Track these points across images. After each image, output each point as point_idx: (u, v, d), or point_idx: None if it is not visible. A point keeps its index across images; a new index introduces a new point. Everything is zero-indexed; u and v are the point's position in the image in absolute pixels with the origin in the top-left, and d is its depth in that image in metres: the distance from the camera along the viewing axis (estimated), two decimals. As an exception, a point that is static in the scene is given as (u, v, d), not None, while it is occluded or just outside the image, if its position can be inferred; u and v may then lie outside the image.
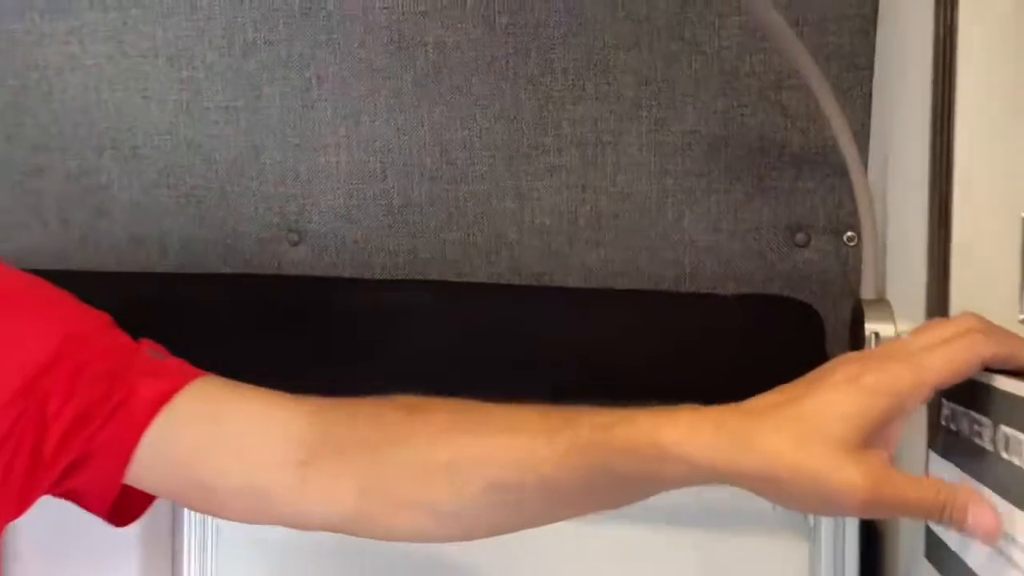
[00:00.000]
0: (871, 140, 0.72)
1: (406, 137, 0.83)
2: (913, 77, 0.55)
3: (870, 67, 0.71)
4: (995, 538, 0.36)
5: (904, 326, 0.61)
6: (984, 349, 0.38)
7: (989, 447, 0.37)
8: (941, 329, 0.40)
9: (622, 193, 0.78)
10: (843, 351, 0.56)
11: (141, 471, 0.51)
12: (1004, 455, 0.36)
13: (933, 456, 0.46)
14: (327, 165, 0.85)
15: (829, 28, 0.71)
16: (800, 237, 0.76)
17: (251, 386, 0.52)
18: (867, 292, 0.67)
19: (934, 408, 0.47)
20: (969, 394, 0.40)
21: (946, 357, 0.38)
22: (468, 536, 0.50)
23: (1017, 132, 0.45)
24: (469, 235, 0.82)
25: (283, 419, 0.51)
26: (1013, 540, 0.35)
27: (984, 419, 0.39)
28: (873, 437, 0.38)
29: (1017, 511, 0.34)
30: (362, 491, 0.48)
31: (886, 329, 0.63)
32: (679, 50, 0.75)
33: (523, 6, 0.78)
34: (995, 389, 0.38)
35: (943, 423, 0.46)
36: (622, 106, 0.78)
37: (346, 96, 0.83)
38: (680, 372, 0.72)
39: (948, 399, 0.44)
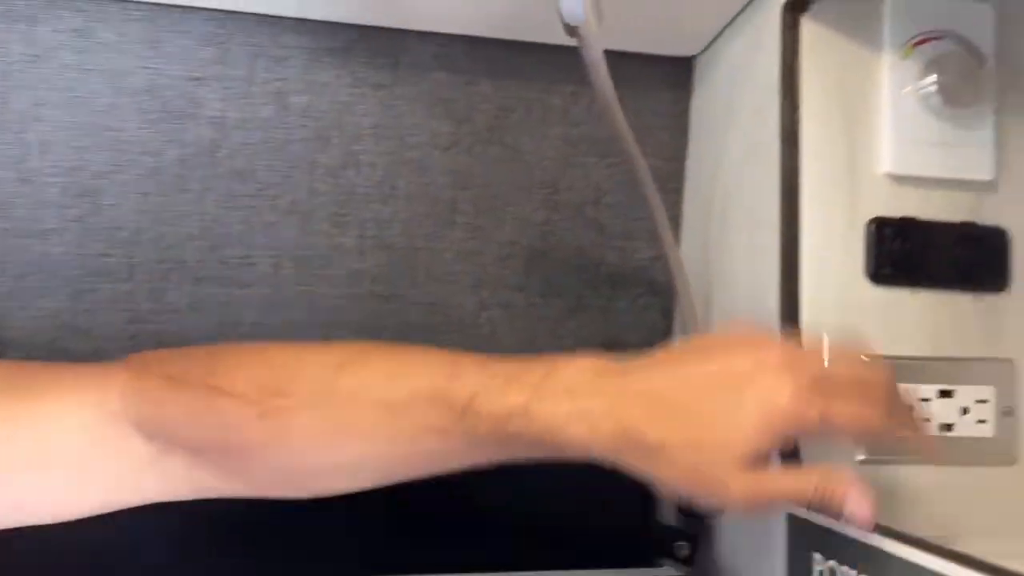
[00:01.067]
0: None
1: (165, 227, 0.66)
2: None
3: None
4: (870, 525, 0.41)
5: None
6: (880, 426, 0.41)
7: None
8: (859, 372, 0.42)
9: (433, 305, 0.70)
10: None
11: None
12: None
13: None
14: (46, 257, 0.64)
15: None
16: (615, 351, 0.74)
17: None
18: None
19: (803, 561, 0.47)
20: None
21: (854, 416, 0.40)
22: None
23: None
24: (242, 350, 0.67)
25: None
26: None
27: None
28: None
29: None
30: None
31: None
32: (500, 155, 0.70)
33: (326, 88, 0.67)
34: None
35: None
36: (437, 209, 0.70)
37: (82, 169, 0.64)
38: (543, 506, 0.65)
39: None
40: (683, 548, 0.64)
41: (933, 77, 0.55)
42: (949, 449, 0.55)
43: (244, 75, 0.66)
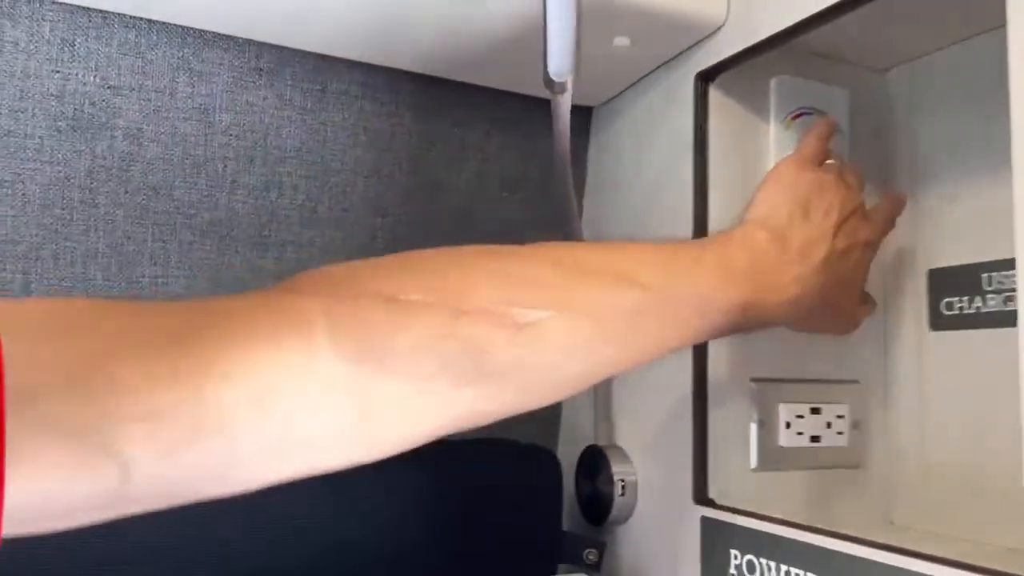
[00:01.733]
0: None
1: (68, 243, 0.61)
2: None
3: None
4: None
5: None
6: None
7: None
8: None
9: (350, 329, 0.71)
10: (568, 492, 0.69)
11: None
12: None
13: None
14: (-75, 271, 0.58)
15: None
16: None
17: None
18: (600, 439, 0.72)
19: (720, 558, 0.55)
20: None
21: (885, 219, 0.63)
22: None
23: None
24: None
25: None
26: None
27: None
28: None
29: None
30: None
31: (627, 471, 0.69)
32: (417, 185, 0.73)
33: (250, 107, 0.66)
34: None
35: (732, 571, 0.55)
36: (355, 235, 0.71)
37: (-26, 176, 0.58)
38: (461, 527, 0.67)
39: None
40: (591, 554, 0.70)
41: (808, 146, 0.66)
42: (818, 456, 0.66)
43: (166, 87, 0.63)
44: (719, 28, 0.63)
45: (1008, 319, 0.62)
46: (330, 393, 0.35)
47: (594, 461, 0.71)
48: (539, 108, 0.75)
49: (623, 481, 0.68)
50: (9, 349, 0.28)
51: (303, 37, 0.66)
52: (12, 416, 0.27)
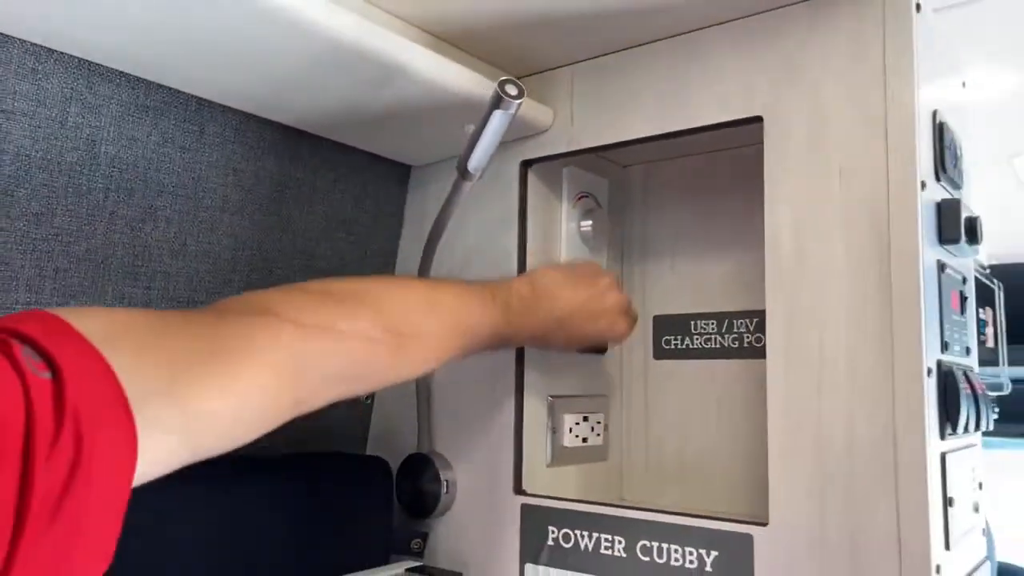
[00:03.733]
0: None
1: (-57, 266, 0.59)
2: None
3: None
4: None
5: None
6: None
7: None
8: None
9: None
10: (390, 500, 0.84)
11: None
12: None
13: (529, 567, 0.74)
14: None
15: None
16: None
17: None
18: (423, 447, 0.87)
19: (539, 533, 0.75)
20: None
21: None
22: None
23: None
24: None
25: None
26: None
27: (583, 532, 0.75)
28: None
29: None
30: None
31: (448, 473, 0.85)
32: (273, 224, 0.80)
33: (134, 142, 0.69)
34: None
35: (550, 542, 0.75)
36: (219, 267, 0.76)
37: None
38: (306, 528, 0.75)
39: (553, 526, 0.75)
40: (418, 544, 0.84)
41: (589, 221, 0.89)
42: (586, 453, 0.89)
43: (56, 116, 0.64)
44: (544, 131, 0.83)
45: (708, 354, 0.92)
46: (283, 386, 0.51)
47: (418, 465, 0.85)
48: (376, 163, 0.88)
49: (447, 480, 0.84)
50: (114, 361, 0.37)
51: (187, 81, 0.70)
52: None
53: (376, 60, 0.64)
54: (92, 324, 0.38)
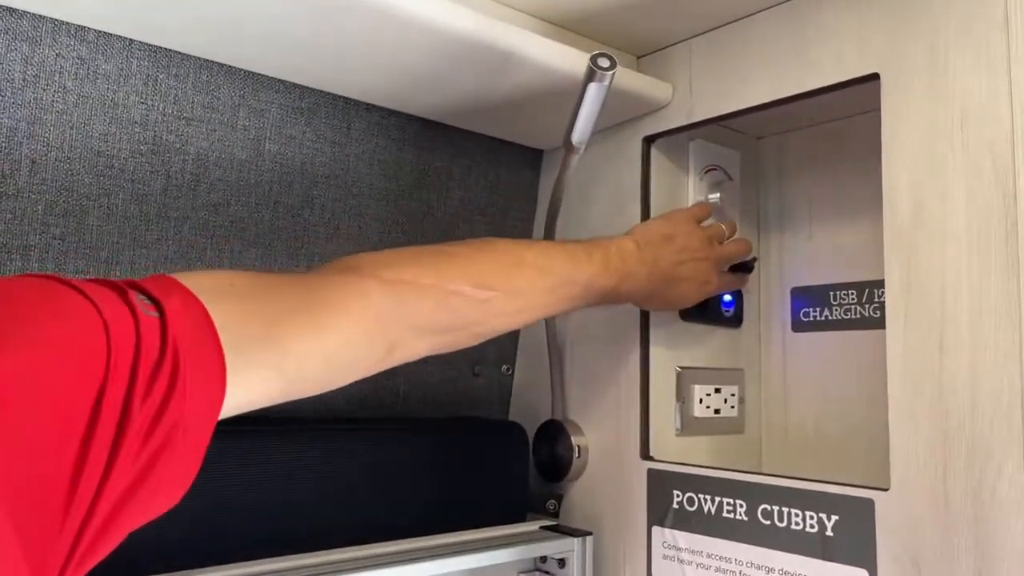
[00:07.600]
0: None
1: (143, 250, 0.71)
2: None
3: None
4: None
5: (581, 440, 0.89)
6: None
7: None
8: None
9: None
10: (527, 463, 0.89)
11: None
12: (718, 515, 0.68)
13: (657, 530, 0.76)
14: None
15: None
16: (478, 368, 0.96)
17: None
18: (557, 415, 0.92)
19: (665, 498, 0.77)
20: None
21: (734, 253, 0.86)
22: None
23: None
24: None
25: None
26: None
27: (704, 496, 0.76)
28: None
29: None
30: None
31: (581, 439, 0.89)
32: (415, 208, 0.88)
33: (292, 139, 0.79)
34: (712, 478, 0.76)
35: (675, 506, 0.77)
36: (366, 248, 0.85)
37: (71, 192, 0.67)
38: (449, 484, 0.83)
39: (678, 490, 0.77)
40: (553, 505, 0.89)
41: (717, 193, 0.90)
42: (719, 424, 0.90)
43: (228, 120, 0.75)
44: (664, 106, 0.85)
45: (847, 325, 0.89)
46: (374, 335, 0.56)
47: (552, 431, 0.90)
48: (505, 149, 0.94)
49: (579, 446, 0.88)
50: (214, 309, 0.44)
51: (335, 84, 0.79)
52: (232, 357, 0.43)
53: (494, 49, 0.70)
54: (200, 281, 0.45)
